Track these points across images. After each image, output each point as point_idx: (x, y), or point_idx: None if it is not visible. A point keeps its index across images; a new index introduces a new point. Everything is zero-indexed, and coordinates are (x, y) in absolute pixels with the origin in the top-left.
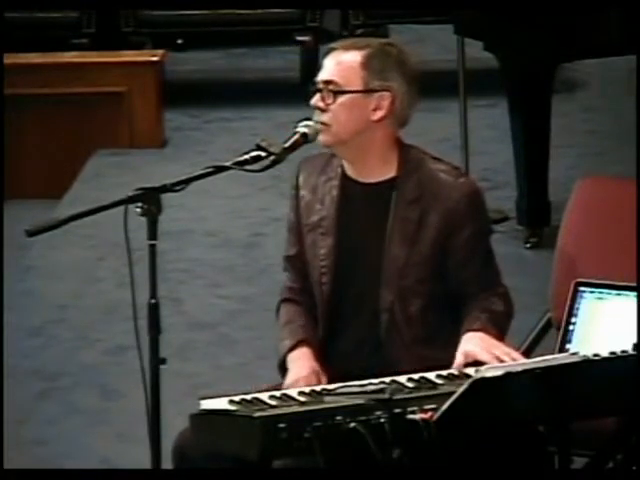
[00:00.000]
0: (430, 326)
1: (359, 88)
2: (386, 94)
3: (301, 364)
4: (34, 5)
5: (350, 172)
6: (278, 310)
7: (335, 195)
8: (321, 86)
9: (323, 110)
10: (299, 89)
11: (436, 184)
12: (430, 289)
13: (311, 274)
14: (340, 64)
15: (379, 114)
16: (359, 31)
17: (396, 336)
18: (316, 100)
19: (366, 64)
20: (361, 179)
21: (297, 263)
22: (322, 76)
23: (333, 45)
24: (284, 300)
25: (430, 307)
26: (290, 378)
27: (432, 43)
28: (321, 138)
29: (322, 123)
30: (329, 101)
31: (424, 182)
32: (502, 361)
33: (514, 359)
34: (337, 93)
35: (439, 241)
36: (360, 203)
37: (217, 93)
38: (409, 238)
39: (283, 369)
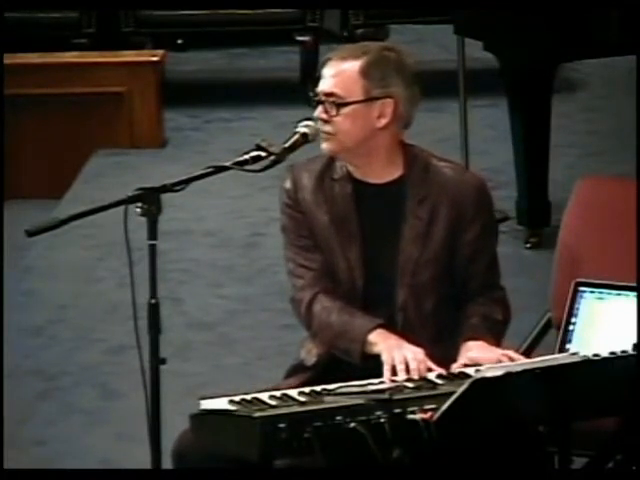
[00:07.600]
0: (442, 325)
1: (360, 98)
2: (388, 101)
3: (396, 338)
4: (34, 5)
5: (356, 174)
6: (300, 305)
7: (348, 194)
8: (322, 98)
9: (327, 121)
10: (299, 89)
11: (444, 180)
12: (443, 287)
13: (337, 272)
14: (339, 75)
15: (383, 121)
16: (359, 31)
17: (411, 335)
18: (319, 112)
19: (365, 73)
20: (368, 180)
21: (317, 259)
22: (322, 88)
23: (330, 55)
24: (318, 293)
25: (442, 306)
26: (392, 346)
27: (432, 43)
28: (326, 147)
29: (327, 133)
30: (332, 113)
31: (432, 179)
32: (502, 361)
33: (512, 359)
34: (339, 105)
35: (450, 237)
36: (372, 203)
37: (217, 93)
38: (421, 236)
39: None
